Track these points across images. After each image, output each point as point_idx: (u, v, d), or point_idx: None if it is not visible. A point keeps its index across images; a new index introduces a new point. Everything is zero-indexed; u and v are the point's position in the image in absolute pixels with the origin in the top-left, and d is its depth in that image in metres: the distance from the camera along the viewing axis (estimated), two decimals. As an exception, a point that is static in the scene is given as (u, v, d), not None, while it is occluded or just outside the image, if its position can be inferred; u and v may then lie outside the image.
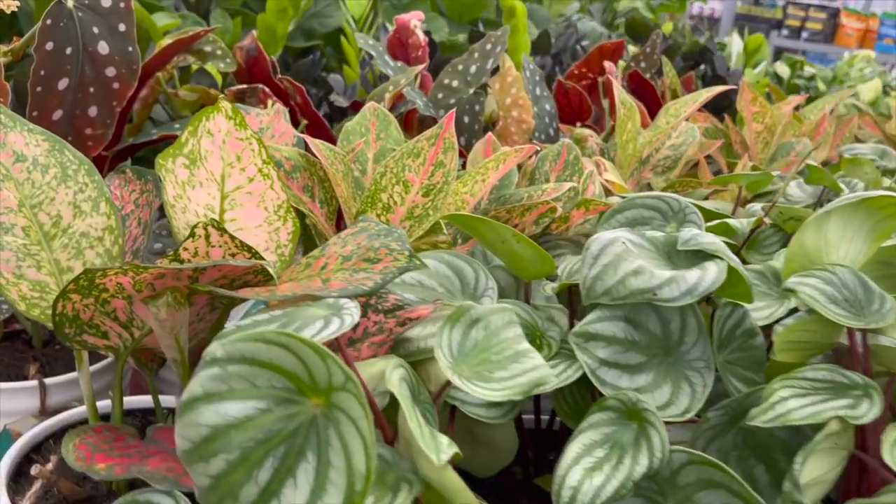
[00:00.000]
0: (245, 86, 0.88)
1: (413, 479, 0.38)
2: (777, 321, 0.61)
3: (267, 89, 0.88)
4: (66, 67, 0.63)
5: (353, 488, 0.32)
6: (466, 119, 1.01)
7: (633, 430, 0.48)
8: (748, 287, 0.53)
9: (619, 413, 0.49)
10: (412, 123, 1.06)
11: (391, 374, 0.39)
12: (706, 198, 1.08)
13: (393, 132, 0.79)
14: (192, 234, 0.48)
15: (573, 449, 0.47)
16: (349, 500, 0.32)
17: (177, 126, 0.83)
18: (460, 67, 1.03)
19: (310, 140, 0.68)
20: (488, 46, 1.02)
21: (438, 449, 0.36)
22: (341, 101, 1.05)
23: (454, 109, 0.67)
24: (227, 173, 0.53)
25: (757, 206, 0.86)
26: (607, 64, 1.17)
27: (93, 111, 0.67)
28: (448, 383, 0.52)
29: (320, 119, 0.83)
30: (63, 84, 0.63)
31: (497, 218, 0.75)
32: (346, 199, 0.69)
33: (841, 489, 0.50)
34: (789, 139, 1.33)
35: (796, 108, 1.41)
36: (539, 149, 0.80)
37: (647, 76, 1.42)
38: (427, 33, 1.18)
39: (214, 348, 0.34)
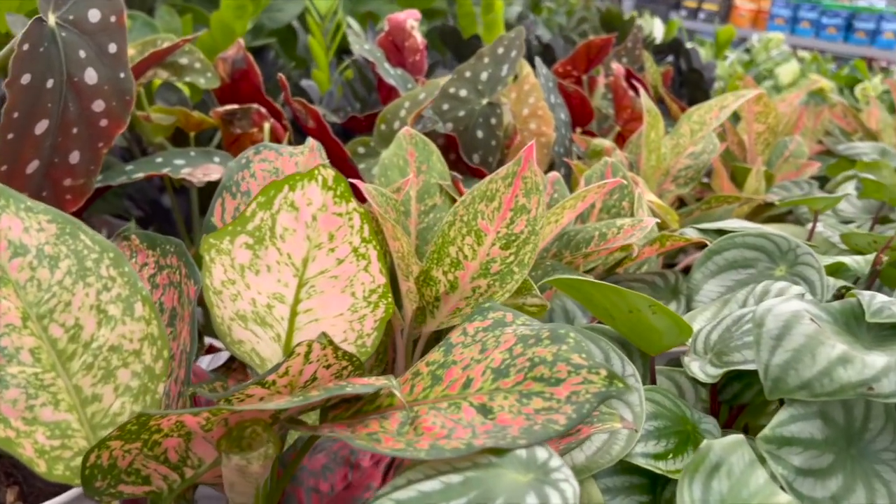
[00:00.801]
0: (236, 106, 0.73)
1: None
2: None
3: (263, 110, 0.74)
4: (45, 106, 0.47)
5: None
6: (481, 134, 0.89)
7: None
8: (947, 362, 0.44)
9: (827, 535, 0.40)
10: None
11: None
12: (731, 213, 1.01)
13: (436, 163, 0.66)
14: (292, 354, 0.35)
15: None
16: None
17: (159, 160, 0.68)
18: (468, 74, 0.91)
19: (362, 186, 0.55)
20: (500, 50, 0.90)
21: None
22: (331, 117, 0.90)
23: (532, 143, 0.55)
24: (312, 256, 0.39)
25: (820, 227, 0.79)
26: (616, 65, 1.07)
27: (74, 157, 0.51)
28: (607, 508, 0.41)
29: (341, 149, 0.70)
30: (41, 127, 0.47)
31: (572, 264, 0.64)
32: (404, 254, 0.56)
33: None
34: (781, 138, 1.29)
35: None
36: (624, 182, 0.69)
37: (633, 72, 1.34)
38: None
39: None
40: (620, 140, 1.13)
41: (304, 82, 1.10)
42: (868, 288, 0.68)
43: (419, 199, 0.65)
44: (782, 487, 0.41)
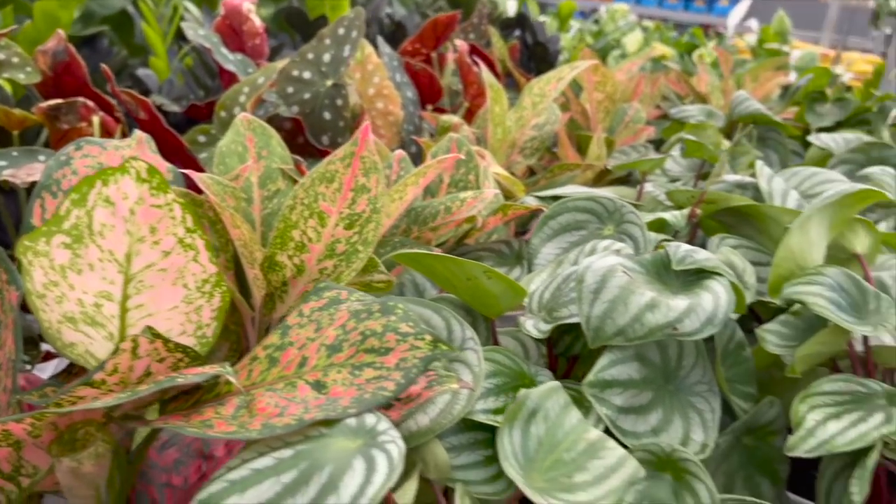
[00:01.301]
0: (60, 101, 0.69)
1: None
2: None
3: (90, 103, 0.70)
4: None
5: None
6: (328, 115, 0.89)
7: (668, 482, 0.43)
8: (744, 297, 0.50)
9: (648, 465, 0.44)
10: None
11: (465, 512, 0.30)
12: (575, 179, 1.07)
13: (276, 148, 0.66)
14: (116, 350, 0.35)
15: (611, 517, 0.41)
16: None
17: (-24, 162, 0.63)
18: (310, 56, 0.91)
19: (195, 175, 0.54)
20: (341, 31, 0.90)
21: None
22: (171, 106, 0.88)
23: (367, 123, 0.56)
24: (136, 250, 0.39)
25: (649, 186, 0.85)
26: (459, 42, 1.10)
27: None
28: (451, 467, 0.43)
29: (176, 139, 0.68)
30: None
31: (421, 239, 0.66)
32: (246, 241, 0.56)
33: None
34: (621, 104, 1.36)
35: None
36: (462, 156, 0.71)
37: (480, 47, 1.37)
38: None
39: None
40: (469, 115, 1.16)
41: (141, 71, 1.06)
42: (690, 239, 0.74)
43: (261, 184, 0.64)
44: (607, 427, 0.45)
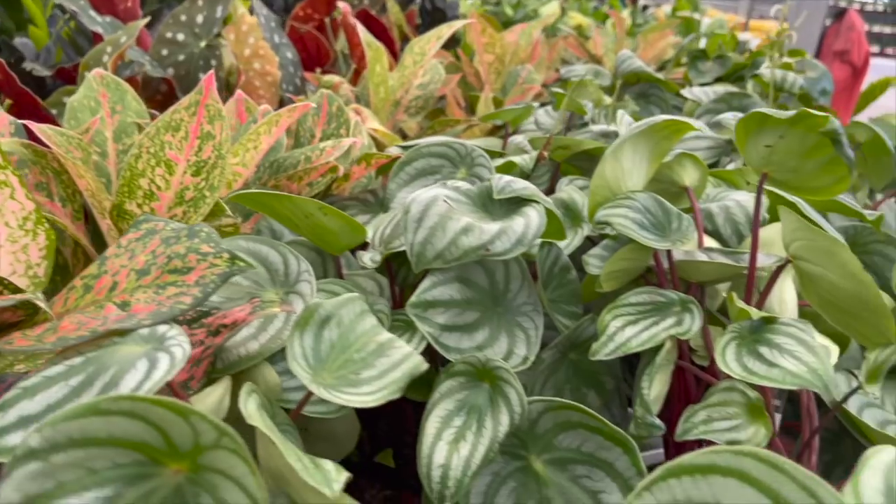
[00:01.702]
0: None
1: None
2: (578, 252, 0.63)
3: (-57, 64, 0.69)
4: None
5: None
6: (203, 76, 0.90)
7: (485, 390, 0.47)
8: (561, 225, 0.54)
9: (468, 376, 0.47)
10: (136, 89, 0.92)
11: (248, 405, 0.32)
12: (459, 134, 1.10)
13: (131, 102, 0.67)
14: (-85, 279, 0.36)
15: (432, 424, 0.45)
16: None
17: None
18: (183, 18, 0.91)
19: (34, 126, 0.55)
20: (214, -8, 0.90)
21: (329, 480, 0.31)
22: (41, 70, 0.87)
23: (212, 72, 0.58)
24: (-56, 187, 0.40)
25: (519, 138, 0.88)
26: (341, 4, 1.11)
27: None
28: (281, 387, 0.46)
29: (32, 97, 0.68)
30: None
31: (278, 187, 0.68)
32: (93, 192, 0.57)
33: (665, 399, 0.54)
34: (514, 66, 1.40)
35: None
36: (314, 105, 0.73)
37: (373, 13, 1.39)
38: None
39: (28, 439, 0.25)
40: (356, 76, 1.17)
41: (19, 40, 1.04)
42: (551, 183, 0.78)
43: (116, 139, 0.65)
44: (430, 343, 0.48)
